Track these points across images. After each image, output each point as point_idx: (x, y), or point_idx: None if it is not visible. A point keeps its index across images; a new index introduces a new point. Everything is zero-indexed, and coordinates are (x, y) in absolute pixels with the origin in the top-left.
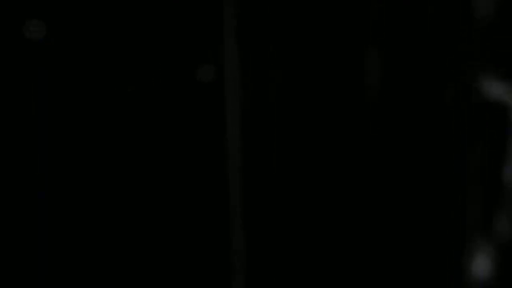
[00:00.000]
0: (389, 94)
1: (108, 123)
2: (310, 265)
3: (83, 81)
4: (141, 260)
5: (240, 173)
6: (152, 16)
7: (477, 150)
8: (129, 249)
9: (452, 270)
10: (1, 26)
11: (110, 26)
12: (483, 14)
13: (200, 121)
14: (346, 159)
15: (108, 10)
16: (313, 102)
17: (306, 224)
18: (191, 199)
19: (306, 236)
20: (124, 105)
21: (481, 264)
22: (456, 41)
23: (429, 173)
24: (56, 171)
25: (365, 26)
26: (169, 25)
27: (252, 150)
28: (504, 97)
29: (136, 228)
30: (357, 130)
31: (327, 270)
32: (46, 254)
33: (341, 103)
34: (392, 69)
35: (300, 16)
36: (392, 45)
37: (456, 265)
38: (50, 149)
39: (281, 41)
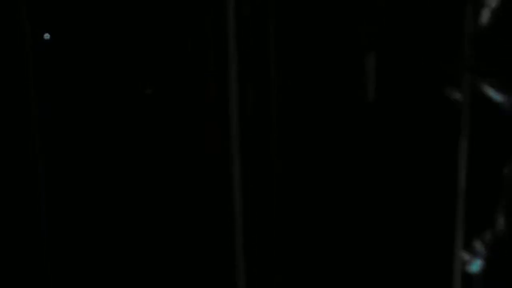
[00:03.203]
0: (387, 97)
1: (109, 124)
2: (309, 266)
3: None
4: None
5: (242, 177)
6: (153, 14)
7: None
8: (135, 251)
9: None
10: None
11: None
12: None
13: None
14: (347, 160)
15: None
16: (314, 103)
17: (305, 225)
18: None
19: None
20: (125, 107)
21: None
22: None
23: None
24: (58, 173)
25: (364, 27)
26: (170, 24)
27: (252, 152)
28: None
29: (140, 229)
30: (357, 131)
31: (328, 271)
32: (50, 254)
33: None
34: (391, 72)
35: (300, 17)
36: (391, 46)
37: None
38: (51, 150)
39: (281, 41)
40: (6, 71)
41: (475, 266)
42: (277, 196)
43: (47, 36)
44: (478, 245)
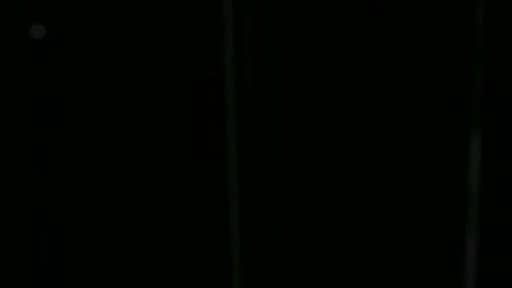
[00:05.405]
0: (388, 95)
1: (108, 123)
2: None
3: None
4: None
5: (239, 174)
6: (153, 14)
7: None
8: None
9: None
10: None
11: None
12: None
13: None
14: (348, 159)
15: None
16: (313, 102)
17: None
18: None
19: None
20: (124, 105)
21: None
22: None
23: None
24: (57, 173)
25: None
26: (169, 24)
27: (250, 149)
28: None
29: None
30: (357, 130)
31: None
32: (50, 252)
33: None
34: (393, 70)
35: (300, 16)
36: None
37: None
38: (51, 150)
39: (281, 40)
40: (5, 71)
41: None
42: (277, 196)
43: (38, 31)
44: None
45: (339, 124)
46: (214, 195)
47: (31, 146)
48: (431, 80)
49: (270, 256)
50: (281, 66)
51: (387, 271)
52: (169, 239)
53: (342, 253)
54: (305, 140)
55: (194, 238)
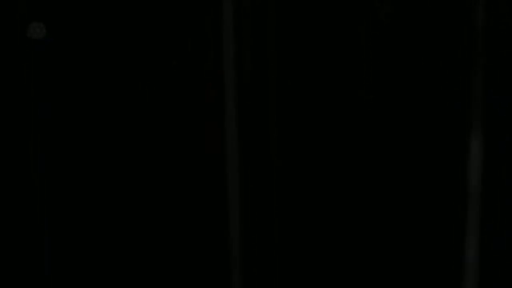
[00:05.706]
0: (389, 95)
1: (108, 123)
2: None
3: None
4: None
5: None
6: (153, 14)
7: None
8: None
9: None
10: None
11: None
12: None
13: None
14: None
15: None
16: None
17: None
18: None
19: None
20: (123, 104)
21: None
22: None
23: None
24: (57, 173)
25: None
26: (169, 24)
27: (249, 147)
28: None
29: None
30: (358, 131)
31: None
32: (50, 251)
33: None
34: (394, 69)
35: (298, 15)
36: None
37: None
38: (51, 150)
39: (279, 38)
40: (5, 71)
41: None
42: (277, 196)
43: (38, 31)
44: None
45: (339, 124)
46: (214, 195)
47: (31, 146)
48: (431, 80)
49: (270, 256)
50: (281, 66)
51: (387, 270)
52: (169, 239)
53: (342, 252)
54: (305, 140)
55: (194, 238)
